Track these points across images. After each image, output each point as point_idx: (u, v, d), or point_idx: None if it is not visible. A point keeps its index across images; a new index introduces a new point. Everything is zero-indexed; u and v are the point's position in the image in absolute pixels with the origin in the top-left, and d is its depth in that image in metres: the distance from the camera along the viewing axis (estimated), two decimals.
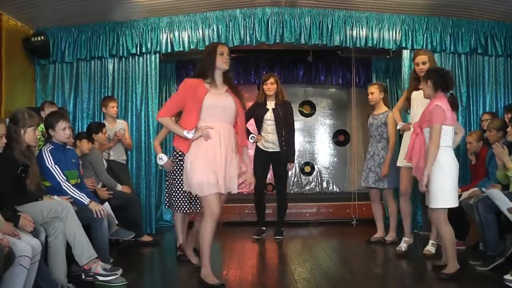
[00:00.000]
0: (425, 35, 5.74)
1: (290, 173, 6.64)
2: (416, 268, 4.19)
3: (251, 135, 5.28)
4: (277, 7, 5.69)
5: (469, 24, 5.79)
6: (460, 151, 5.38)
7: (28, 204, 3.29)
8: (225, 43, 4.02)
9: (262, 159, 5.20)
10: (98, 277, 3.41)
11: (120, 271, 3.49)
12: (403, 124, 4.54)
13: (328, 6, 5.67)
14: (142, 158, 5.77)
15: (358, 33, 5.73)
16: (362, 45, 5.78)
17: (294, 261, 4.31)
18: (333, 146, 8.05)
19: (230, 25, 5.68)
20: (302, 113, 7.99)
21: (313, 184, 7.96)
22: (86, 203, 3.69)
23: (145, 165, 5.78)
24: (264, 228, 5.30)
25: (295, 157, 6.05)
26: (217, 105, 3.39)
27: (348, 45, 5.80)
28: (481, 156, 4.87)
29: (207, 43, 5.54)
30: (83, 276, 3.45)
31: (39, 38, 5.48)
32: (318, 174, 7.98)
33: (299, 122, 7.81)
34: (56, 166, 3.71)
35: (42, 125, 4.03)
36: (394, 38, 5.76)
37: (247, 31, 5.68)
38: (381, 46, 5.80)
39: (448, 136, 3.62)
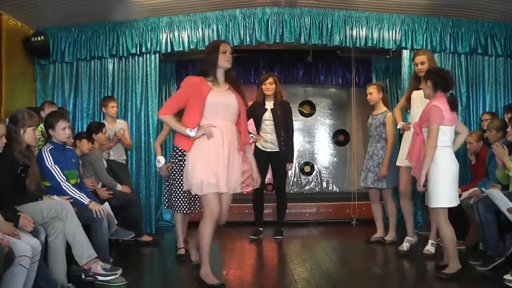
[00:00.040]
0: (425, 35, 5.74)
1: (290, 173, 6.63)
2: (416, 268, 4.19)
3: (250, 135, 5.28)
4: (277, 7, 5.69)
5: (469, 24, 5.79)
6: (460, 151, 5.37)
7: (28, 204, 3.29)
8: (228, 42, 4.00)
9: (261, 159, 5.16)
10: (98, 277, 3.41)
11: (120, 271, 3.49)
12: (403, 123, 4.55)
13: (328, 6, 5.67)
14: (142, 158, 5.77)
15: (358, 33, 5.73)
16: (362, 45, 5.78)
17: (294, 261, 4.31)
18: (333, 146, 8.05)
19: (230, 25, 5.68)
20: (302, 113, 7.99)
21: (313, 184, 7.97)
22: (86, 203, 3.69)
23: (145, 165, 5.77)
24: (261, 229, 5.30)
25: (295, 157, 6.05)
26: (220, 103, 3.38)
27: (348, 45, 5.81)
28: (481, 156, 4.88)
29: (207, 43, 5.54)
30: (83, 276, 3.45)
31: (39, 38, 5.48)
32: (318, 174, 7.98)
33: (299, 122, 7.82)
34: (56, 166, 3.71)
35: (42, 125, 4.03)
36: (394, 38, 5.76)
37: (247, 31, 5.68)
38: (381, 46, 5.80)
39: (446, 136, 3.62)
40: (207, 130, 3.29)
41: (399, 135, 4.94)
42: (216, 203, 3.32)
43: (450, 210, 3.69)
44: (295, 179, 7.93)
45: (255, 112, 5.20)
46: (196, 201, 4.27)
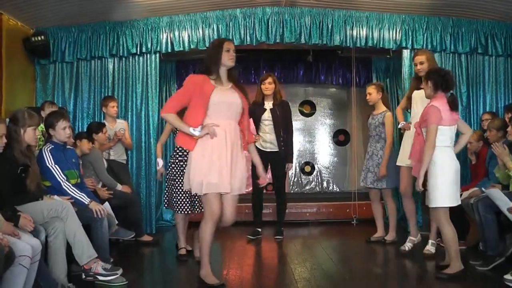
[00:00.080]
0: (425, 35, 5.74)
1: (290, 172, 6.63)
2: (416, 268, 4.18)
3: None
4: (277, 6, 5.69)
5: (469, 23, 5.79)
6: (460, 151, 5.37)
7: (28, 204, 3.29)
8: (231, 40, 3.94)
9: (260, 159, 5.18)
10: (98, 276, 3.41)
11: (120, 271, 3.49)
12: (404, 123, 4.56)
13: (328, 5, 5.67)
14: (142, 158, 5.77)
15: (358, 32, 5.73)
16: (362, 45, 5.78)
17: (294, 261, 4.31)
18: (333, 145, 8.04)
19: (230, 25, 5.68)
20: (302, 113, 7.98)
21: (313, 183, 7.96)
22: (86, 203, 3.69)
23: (145, 165, 5.78)
24: (259, 229, 5.29)
25: (295, 157, 6.03)
26: (224, 101, 3.34)
27: (348, 44, 5.80)
28: (481, 156, 4.88)
29: (207, 43, 5.55)
30: (83, 276, 3.45)
31: (39, 38, 5.48)
32: (318, 174, 7.98)
33: (299, 122, 7.81)
34: (56, 166, 3.71)
35: (42, 125, 4.03)
36: (394, 38, 5.76)
37: (247, 30, 5.68)
38: (381, 46, 5.80)
39: (445, 136, 3.61)
40: (210, 129, 3.25)
41: (399, 135, 4.94)
42: (217, 204, 3.30)
43: (451, 210, 3.68)
44: (296, 179, 7.93)
45: (254, 112, 5.19)
46: (197, 201, 4.26)
